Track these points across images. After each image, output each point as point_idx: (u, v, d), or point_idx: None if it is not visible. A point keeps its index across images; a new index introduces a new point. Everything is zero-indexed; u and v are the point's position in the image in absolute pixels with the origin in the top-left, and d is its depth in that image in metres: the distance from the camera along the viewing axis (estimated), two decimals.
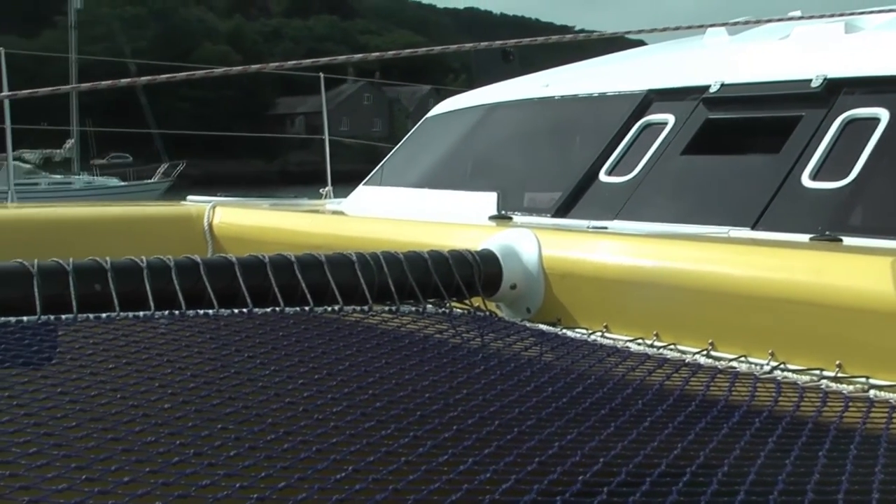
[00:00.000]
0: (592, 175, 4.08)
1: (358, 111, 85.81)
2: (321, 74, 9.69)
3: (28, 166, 42.39)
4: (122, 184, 43.30)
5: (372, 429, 1.62)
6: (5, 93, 6.24)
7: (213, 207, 4.37)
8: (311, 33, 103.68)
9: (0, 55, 7.54)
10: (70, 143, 47.47)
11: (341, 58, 3.85)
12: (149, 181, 43.70)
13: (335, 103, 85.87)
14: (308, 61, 3.05)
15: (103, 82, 2.99)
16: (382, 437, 1.58)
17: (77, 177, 43.23)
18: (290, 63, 3.03)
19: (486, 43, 3.32)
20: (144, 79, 3.18)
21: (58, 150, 47.36)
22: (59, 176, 42.83)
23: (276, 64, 3.04)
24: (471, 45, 3.41)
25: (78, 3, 51.33)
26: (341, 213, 5.05)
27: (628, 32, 4.05)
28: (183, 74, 2.84)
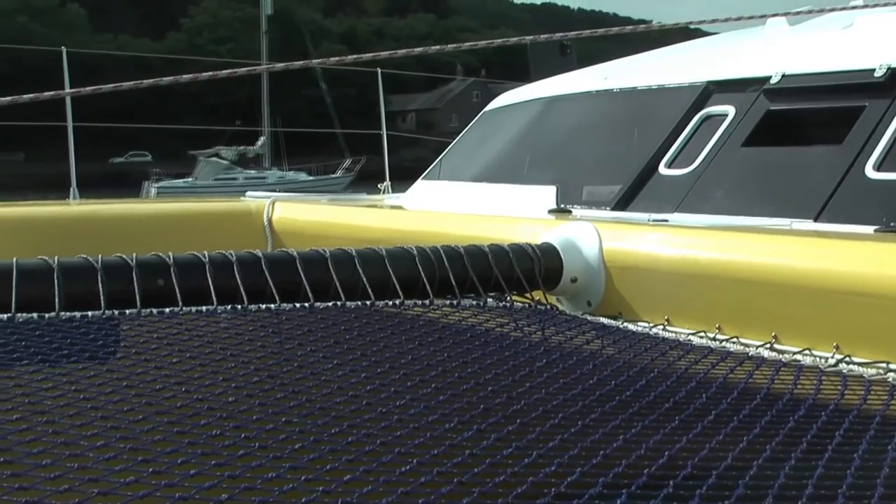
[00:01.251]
0: (652, 168, 4.05)
1: (466, 108, 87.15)
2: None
3: (226, 162, 46.18)
4: (310, 178, 46.64)
5: (436, 422, 1.62)
6: (67, 90, 6.32)
7: (273, 203, 4.40)
8: (413, 32, 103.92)
9: (62, 55, 7.65)
10: (262, 140, 50.40)
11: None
12: (333, 175, 47.34)
13: (445, 101, 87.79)
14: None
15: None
16: (446, 431, 1.58)
17: (270, 172, 46.30)
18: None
19: (545, 36, 3.32)
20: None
21: (251, 147, 50.11)
22: (253, 171, 46.07)
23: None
24: (529, 37, 3.41)
25: (269, 8, 52.80)
26: (400, 207, 5.07)
27: (689, 23, 4.03)
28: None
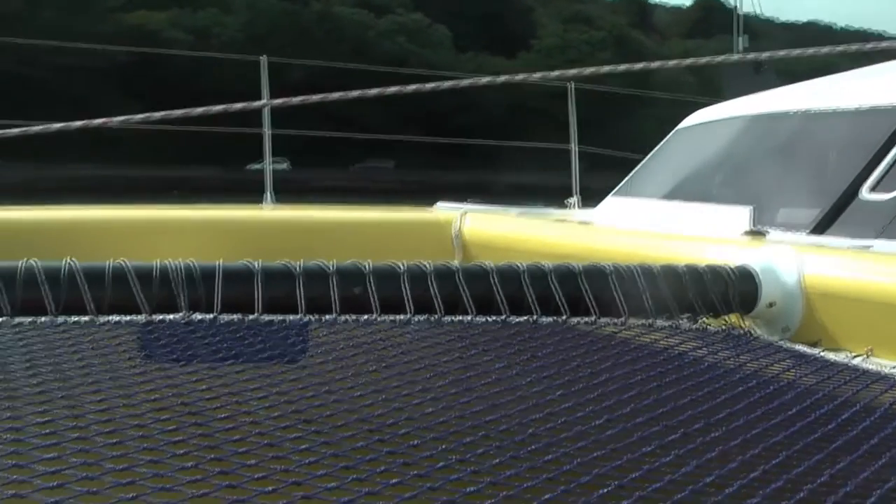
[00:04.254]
0: (853, 192, 3.92)
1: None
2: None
3: None
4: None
5: (634, 444, 1.60)
6: (265, 101, 6.50)
7: (463, 214, 4.43)
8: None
9: (263, 64, 7.87)
10: None
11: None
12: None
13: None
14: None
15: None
16: (644, 454, 1.55)
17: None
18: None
19: (737, 56, 3.25)
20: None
21: None
22: None
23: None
24: (717, 58, 3.34)
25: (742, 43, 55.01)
26: (589, 223, 5.03)
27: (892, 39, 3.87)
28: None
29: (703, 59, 3.18)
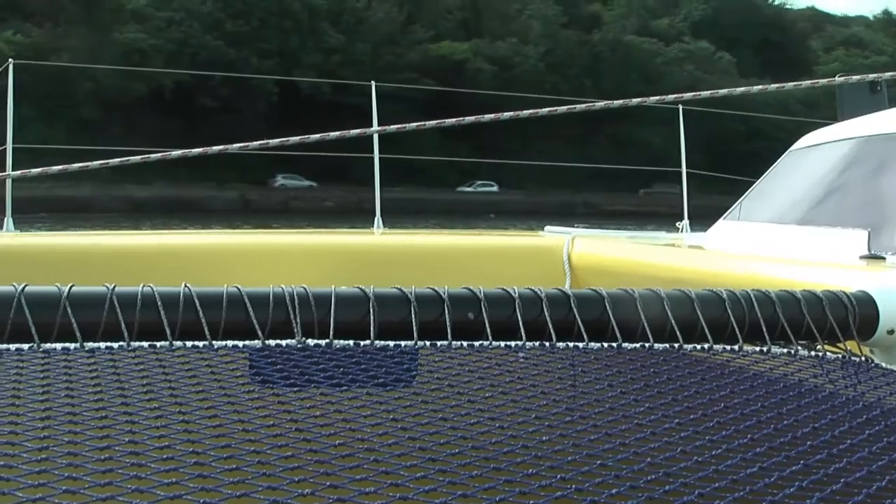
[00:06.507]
0: None
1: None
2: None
3: None
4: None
5: (755, 475, 1.56)
6: (375, 128, 6.56)
7: (573, 239, 4.41)
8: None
9: (372, 89, 7.95)
10: None
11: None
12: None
13: None
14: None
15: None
16: (767, 486, 1.52)
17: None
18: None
19: (857, 77, 3.19)
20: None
21: None
22: None
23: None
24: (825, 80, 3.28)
25: None
26: (700, 247, 4.98)
27: None
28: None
29: (806, 83, 3.12)
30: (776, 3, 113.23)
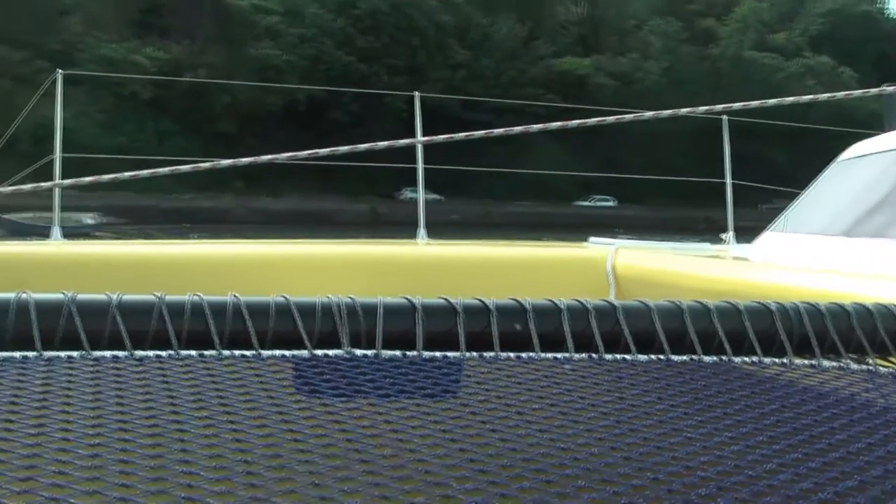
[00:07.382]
0: None
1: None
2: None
3: None
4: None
5: (808, 491, 1.55)
6: (419, 138, 6.57)
7: (617, 250, 4.39)
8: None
9: (415, 99, 7.96)
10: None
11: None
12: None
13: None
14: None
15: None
16: (821, 502, 1.50)
17: None
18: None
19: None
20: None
21: None
22: None
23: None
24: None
25: None
26: (745, 259, 4.94)
27: None
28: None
29: (857, 92, 3.09)
30: None
